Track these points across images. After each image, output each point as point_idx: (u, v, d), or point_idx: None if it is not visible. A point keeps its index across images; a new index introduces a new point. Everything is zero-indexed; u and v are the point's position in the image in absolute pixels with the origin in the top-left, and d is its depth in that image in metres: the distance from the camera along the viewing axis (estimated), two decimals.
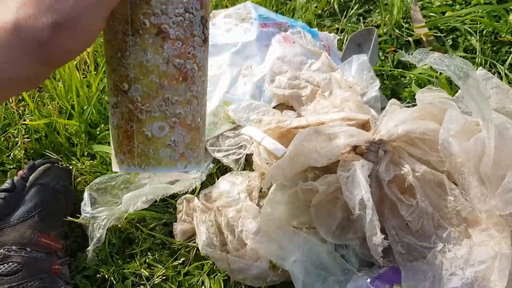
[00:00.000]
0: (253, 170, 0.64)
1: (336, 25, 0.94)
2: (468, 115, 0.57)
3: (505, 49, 0.85)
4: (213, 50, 0.77)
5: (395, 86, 0.82)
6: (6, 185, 0.61)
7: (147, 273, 0.59)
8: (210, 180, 0.67)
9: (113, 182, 0.64)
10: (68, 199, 0.64)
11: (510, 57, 0.82)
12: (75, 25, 0.33)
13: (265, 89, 0.72)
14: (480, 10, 0.90)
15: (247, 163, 0.66)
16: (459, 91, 0.58)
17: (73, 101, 0.76)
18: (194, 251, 0.61)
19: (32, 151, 0.74)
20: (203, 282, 0.59)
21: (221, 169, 0.68)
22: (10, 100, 0.81)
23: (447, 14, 0.92)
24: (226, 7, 0.92)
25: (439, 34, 0.89)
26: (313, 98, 0.69)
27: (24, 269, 0.55)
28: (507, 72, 0.80)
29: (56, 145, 0.75)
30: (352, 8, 0.96)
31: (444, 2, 0.95)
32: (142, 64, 0.39)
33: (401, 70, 0.83)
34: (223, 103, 0.71)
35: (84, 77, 0.82)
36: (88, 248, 0.60)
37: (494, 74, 0.66)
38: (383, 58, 0.87)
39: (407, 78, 0.82)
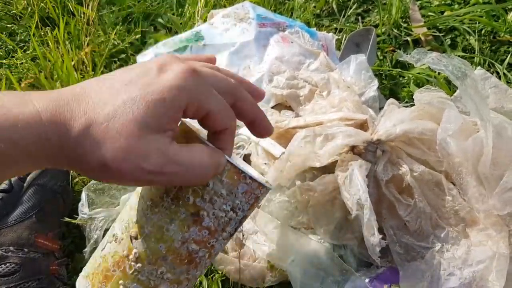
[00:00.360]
0: None
1: (335, 25, 0.94)
2: (466, 115, 0.56)
3: (504, 48, 0.85)
4: (211, 50, 0.77)
5: (394, 86, 0.82)
6: (3, 185, 0.61)
7: None
8: None
9: None
10: (66, 200, 0.64)
11: (509, 56, 0.82)
12: (118, 176, 0.31)
13: (263, 89, 0.72)
14: (478, 10, 0.90)
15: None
16: (457, 91, 0.58)
17: None
18: None
19: None
20: (201, 283, 0.58)
21: None
22: None
23: (445, 14, 0.92)
24: (225, 6, 0.92)
25: (437, 34, 0.89)
26: (311, 98, 0.68)
27: (22, 270, 0.55)
28: (505, 71, 0.80)
29: None
30: (350, 8, 0.96)
31: (443, 2, 0.95)
32: (161, 229, 0.36)
33: (400, 70, 0.83)
34: None
35: (82, 77, 0.82)
36: (86, 249, 0.60)
37: (492, 74, 0.66)
38: (381, 58, 0.87)
39: (406, 78, 0.82)
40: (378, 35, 0.88)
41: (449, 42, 0.88)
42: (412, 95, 0.59)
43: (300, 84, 0.70)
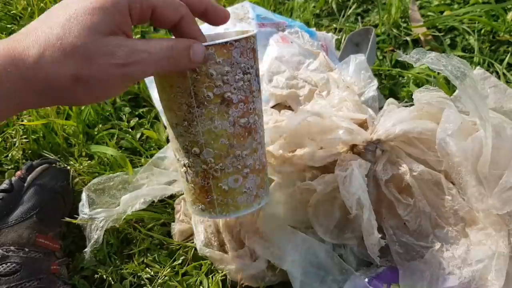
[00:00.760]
0: None
1: (334, 25, 0.94)
2: (466, 114, 0.57)
3: (503, 48, 0.86)
4: None
5: (393, 86, 0.82)
6: (4, 185, 0.61)
7: (145, 274, 0.59)
8: None
9: (111, 183, 0.64)
10: (66, 200, 0.64)
11: (508, 56, 0.82)
12: (94, 83, 0.32)
13: (263, 89, 0.72)
14: (478, 9, 0.90)
15: None
16: (457, 90, 0.58)
17: None
18: (192, 251, 0.61)
19: (30, 151, 0.74)
20: (201, 282, 0.59)
21: None
22: None
23: (445, 14, 0.92)
24: (224, 6, 0.93)
25: (437, 34, 0.89)
26: (311, 98, 0.68)
27: (22, 270, 0.55)
28: (505, 71, 0.80)
29: (54, 145, 0.75)
30: (350, 8, 0.96)
31: (442, 2, 0.96)
32: (210, 131, 0.41)
33: (399, 69, 0.83)
34: None
35: None
36: (86, 249, 0.60)
37: (492, 73, 0.67)
38: (381, 57, 0.87)
39: (405, 77, 0.82)
40: (377, 35, 0.88)
41: (448, 42, 0.88)
42: (412, 95, 0.59)
43: (300, 84, 0.70)
